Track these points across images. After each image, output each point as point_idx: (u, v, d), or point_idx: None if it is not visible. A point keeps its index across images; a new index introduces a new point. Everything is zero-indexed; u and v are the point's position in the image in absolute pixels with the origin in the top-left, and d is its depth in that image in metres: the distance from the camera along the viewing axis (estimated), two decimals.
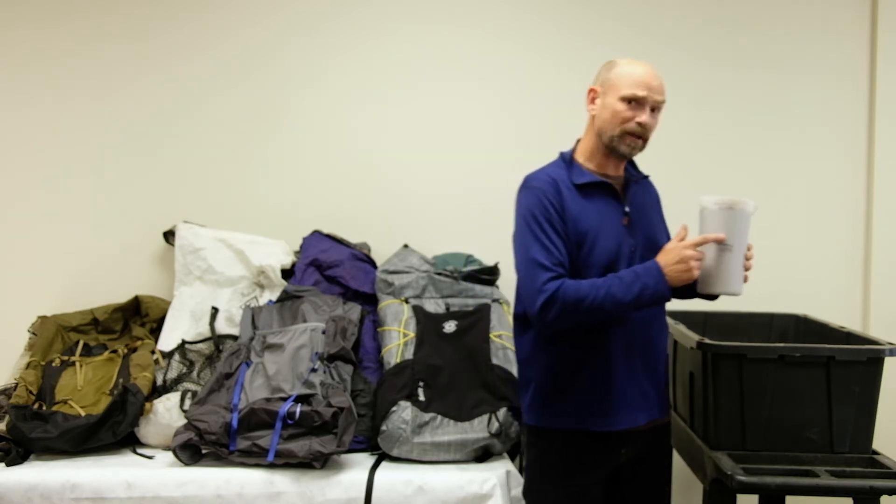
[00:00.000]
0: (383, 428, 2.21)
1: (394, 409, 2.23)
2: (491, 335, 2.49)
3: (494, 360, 2.43)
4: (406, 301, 2.59)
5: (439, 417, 2.23)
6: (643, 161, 2.25)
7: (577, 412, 1.96)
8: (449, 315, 2.56)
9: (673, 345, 2.36)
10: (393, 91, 2.94)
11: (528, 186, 1.99)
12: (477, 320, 2.53)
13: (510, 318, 2.58)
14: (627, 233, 1.98)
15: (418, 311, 2.55)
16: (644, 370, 1.99)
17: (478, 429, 2.23)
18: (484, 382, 2.36)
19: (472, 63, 2.94)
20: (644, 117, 1.92)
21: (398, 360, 2.41)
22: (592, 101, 1.98)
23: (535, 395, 2.00)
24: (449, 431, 2.21)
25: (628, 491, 2.06)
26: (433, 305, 2.60)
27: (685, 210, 2.60)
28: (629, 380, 1.96)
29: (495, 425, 2.23)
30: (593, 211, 1.95)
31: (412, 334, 2.49)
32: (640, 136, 1.94)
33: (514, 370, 2.41)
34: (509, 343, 2.49)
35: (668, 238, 2.09)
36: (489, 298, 2.63)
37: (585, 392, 1.96)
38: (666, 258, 1.86)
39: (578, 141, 2.07)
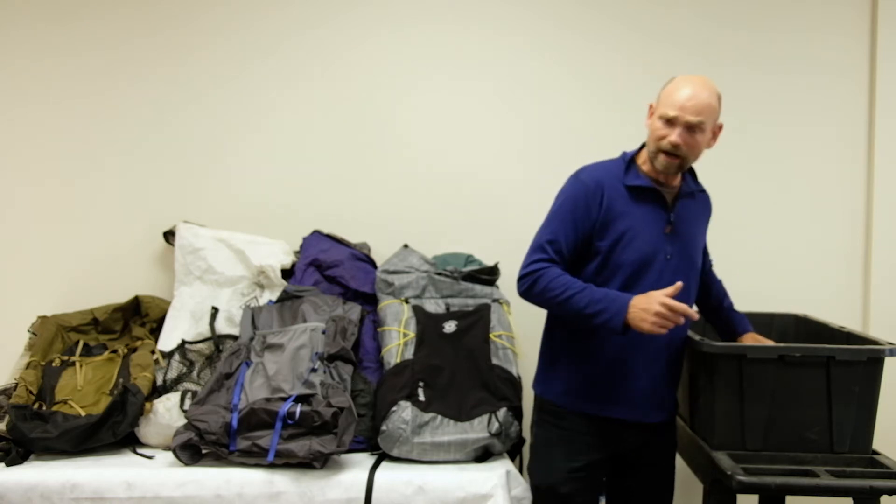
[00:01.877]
0: (383, 428, 2.21)
1: (394, 408, 2.23)
2: (491, 335, 2.49)
3: (494, 360, 2.42)
4: (406, 301, 2.59)
5: (439, 417, 2.23)
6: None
7: (579, 393, 2.07)
8: (449, 315, 2.56)
9: None
10: (393, 91, 2.94)
11: (579, 178, 2.08)
12: (477, 320, 2.53)
13: (510, 318, 2.59)
14: (668, 240, 2.03)
15: (418, 311, 2.55)
16: (664, 371, 2.07)
17: (478, 429, 2.23)
18: (484, 382, 2.36)
19: (475, 62, 2.94)
20: (674, 137, 1.95)
21: (398, 360, 2.41)
22: (650, 115, 2.05)
23: (545, 364, 2.16)
24: (449, 431, 2.21)
25: (633, 483, 2.14)
26: (433, 305, 2.60)
27: None
28: (647, 378, 2.04)
29: (495, 425, 2.23)
30: (637, 213, 2.02)
31: (412, 334, 2.48)
32: (675, 155, 1.97)
33: (514, 370, 2.42)
34: (509, 343, 2.50)
35: (703, 254, 2.20)
36: (489, 298, 2.63)
37: (594, 376, 2.05)
38: (639, 300, 1.90)
39: (644, 144, 2.11)
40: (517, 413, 2.30)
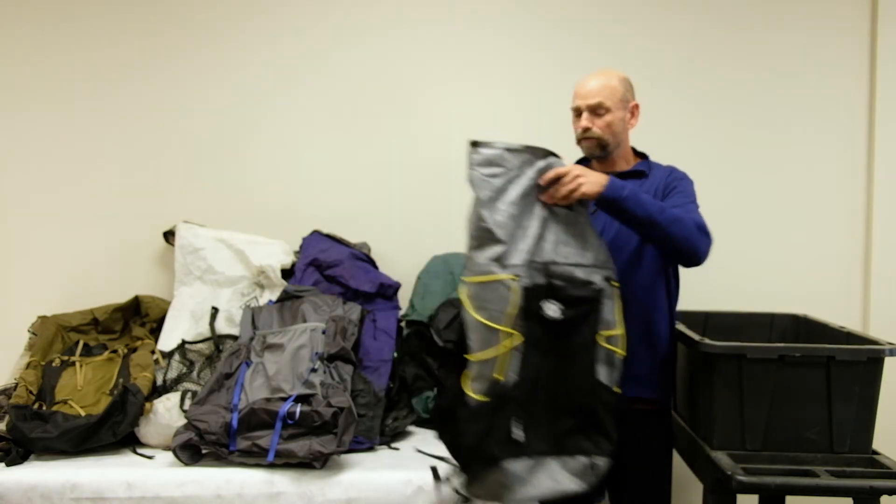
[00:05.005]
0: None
1: (494, 468, 1.76)
2: (597, 336, 1.87)
3: (600, 376, 1.85)
4: (516, 277, 1.75)
5: (534, 460, 1.80)
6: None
7: None
8: (550, 289, 1.80)
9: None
10: (393, 90, 2.94)
11: None
12: (588, 312, 1.86)
13: (617, 307, 1.97)
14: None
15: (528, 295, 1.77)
16: None
17: (572, 477, 1.81)
18: (581, 407, 1.84)
19: (475, 62, 2.94)
20: (583, 122, 2.15)
21: (500, 378, 1.75)
22: None
23: None
24: (542, 476, 1.82)
25: (622, 475, 2.14)
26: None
27: None
28: None
29: (591, 479, 1.81)
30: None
31: (520, 337, 1.77)
32: (590, 138, 2.16)
33: (618, 382, 1.96)
34: (618, 346, 1.93)
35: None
36: (602, 273, 1.92)
37: None
38: None
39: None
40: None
